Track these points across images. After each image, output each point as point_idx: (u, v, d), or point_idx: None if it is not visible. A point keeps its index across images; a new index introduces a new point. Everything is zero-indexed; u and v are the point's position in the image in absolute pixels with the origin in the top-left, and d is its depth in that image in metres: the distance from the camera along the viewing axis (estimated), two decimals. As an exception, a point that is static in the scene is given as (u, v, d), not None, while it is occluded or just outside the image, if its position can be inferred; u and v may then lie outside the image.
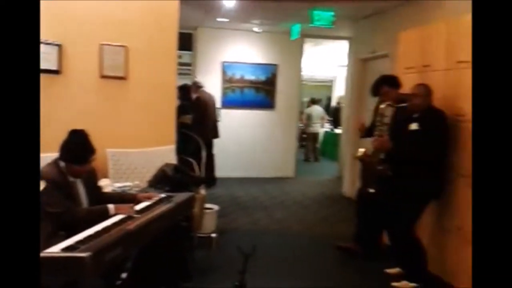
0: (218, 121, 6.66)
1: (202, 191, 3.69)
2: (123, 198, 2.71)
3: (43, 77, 2.84)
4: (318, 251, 4.04)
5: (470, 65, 3.15)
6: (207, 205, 4.00)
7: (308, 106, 10.35)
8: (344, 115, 7.42)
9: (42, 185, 2.23)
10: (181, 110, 5.82)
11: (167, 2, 3.77)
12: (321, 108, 10.38)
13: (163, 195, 2.70)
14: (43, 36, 3.12)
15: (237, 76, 7.36)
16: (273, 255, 3.83)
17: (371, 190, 3.43)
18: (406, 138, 3.20)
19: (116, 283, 2.36)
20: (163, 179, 3.18)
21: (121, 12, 3.67)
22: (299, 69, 7.62)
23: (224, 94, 7.27)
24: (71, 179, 2.45)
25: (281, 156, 7.64)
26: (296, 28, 6.39)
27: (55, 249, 1.83)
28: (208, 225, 3.91)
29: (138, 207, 2.48)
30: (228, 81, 7.33)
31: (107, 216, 2.31)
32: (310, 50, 9.31)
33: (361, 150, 3.62)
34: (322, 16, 5.40)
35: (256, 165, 7.48)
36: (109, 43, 3.64)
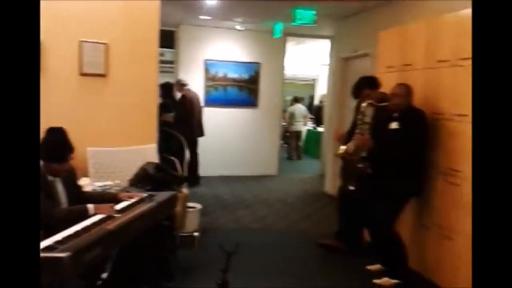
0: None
1: (185, 190, 3.66)
2: (104, 197, 2.67)
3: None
4: (301, 248, 4.07)
5: (449, 64, 3.25)
6: (190, 204, 3.97)
7: (291, 104, 10.39)
8: (326, 113, 7.47)
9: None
10: (163, 108, 5.78)
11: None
12: (303, 107, 10.44)
13: (144, 194, 2.67)
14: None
15: (220, 74, 7.34)
16: (256, 253, 3.84)
17: (351, 188, 3.47)
18: (387, 137, 3.24)
19: (97, 283, 2.33)
20: (145, 178, 3.15)
21: (101, 9, 3.61)
22: (282, 68, 7.64)
23: (207, 92, 7.24)
24: (50, 178, 2.41)
25: (264, 154, 7.66)
26: (279, 27, 6.41)
27: (34, 250, 1.79)
28: (191, 224, 3.89)
29: (119, 206, 2.45)
30: (211, 79, 7.30)
31: (86, 216, 2.28)
32: (293, 49, 9.35)
33: (343, 147, 3.65)
34: (304, 15, 5.42)
35: (239, 163, 7.48)
36: (89, 40, 3.58)
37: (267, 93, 7.56)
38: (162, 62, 7.59)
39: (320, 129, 9.56)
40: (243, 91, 7.48)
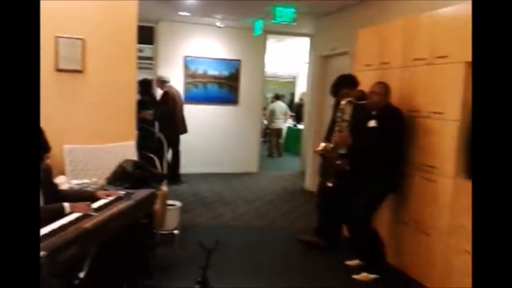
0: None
1: (164, 188, 3.64)
2: (81, 195, 2.63)
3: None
4: (280, 244, 4.09)
5: (425, 62, 3.30)
6: (170, 202, 3.94)
7: (272, 102, 10.42)
8: (306, 111, 7.51)
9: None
10: (142, 105, 5.72)
11: (126, -6, 3.68)
12: (284, 104, 10.48)
13: (122, 192, 2.64)
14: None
15: (200, 71, 7.30)
16: (235, 250, 3.84)
17: (329, 184, 3.51)
18: (365, 135, 3.29)
19: (74, 283, 2.29)
20: (123, 176, 3.11)
21: (77, 3, 3.54)
22: (262, 65, 7.64)
23: (187, 89, 7.19)
24: (25, 176, 2.35)
25: (245, 152, 7.66)
26: (259, 24, 6.40)
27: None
28: (171, 222, 3.86)
29: (96, 205, 2.41)
30: (191, 76, 7.25)
31: (63, 214, 2.24)
32: (273, 46, 9.37)
33: (322, 144, 3.69)
34: (284, 13, 5.43)
35: (220, 160, 7.46)
36: (65, 35, 3.51)
37: (248, 91, 7.55)
38: (141, 58, 7.52)
39: (300, 126, 9.61)
40: (224, 88, 7.46)
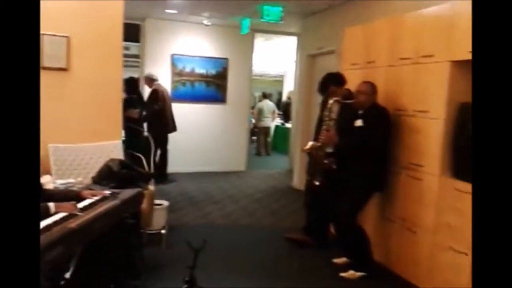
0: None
1: (151, 187, 3.61)
2: (66, 195, 2.59)
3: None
4: (268, 243, 4.10)
5: (410, 61, 3.34)
6: (157, 201, 3.92)
7: (260, 100, 10.42)
8: (294, 109, 7.53)
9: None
10: (128, 104, 5.68)
11: (111, -8, 3.64)
12: (272, 103, 10.49)
13: (108, 192, 2.61)
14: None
15: (188, 69, 7.26)
16: (223, 248, 3.84)
17: (317, 183, 3.52)
18: (352, 134, 3.31)
19: (60, 283, 2.27)
20: (109, 175, 3.08)
21: (62, 0, 3.49)
22: (250, 64, 7.63)
23: (174, 87, 7.15)
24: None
25: (233, 150, 7.65)
26: (246, 23, 6.40)
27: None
28: (158, 221, 3.83)
29: (81, 204, 2.38)
30: (178, 74, 7.21)
31: (47, 214, 2.20)
32: (261, 45, 9.37)
33: (310, 143, 3.70)
34: (271, 11, 5.44)
35: (207, 159, 7.44)
36: (49, 32, 3.46)
37: (235, 89, 7.54)
38: (127, 56, 7.46)
39: (288, 125, 9.63)
40: (211, 86, 7.43)
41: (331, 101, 3.47)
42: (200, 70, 7.32)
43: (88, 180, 3.22)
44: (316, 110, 4.80)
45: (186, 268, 2.73)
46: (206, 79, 7.38)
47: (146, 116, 6.18)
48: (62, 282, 2.31)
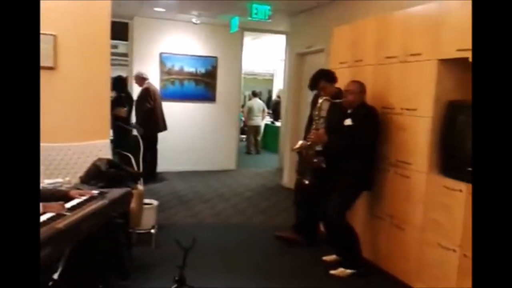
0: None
1: (140, 187, 3.59)
2: (54, 195, 2.56)
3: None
4: (258, 241, 4.10)
5: (397, 60, 3.36)
6: (146, 201, 3.90)
7: (249, 99, 10.42)
8: (283, 108, 7.54)
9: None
10: (116, 103, 5.64)
11: (98, -11, 3.61)
12: (261, 101, 10.50)
13: (96, 192, 2.59)
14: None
15: (176, 68, 7.22)
16: (213, 247, 3.83)
17: (306, 182, 3.53)
18: (341, 133, 3.32)
19: (48, 284, 2.25)
20: (97, 175, 3.06)
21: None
22: (239, 62, 7.62)
23: (163, 86, 7.11)
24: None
25: (222, 149, 7.63)
26: (235, 21, 6.39)
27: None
28: (147, 221, 3.82)
29: (69, 204, 2.36)
30: (167, 73, 7.17)
31: (34, 215, 2.18)
32: (250, 44, 9.36)
33: (299, 142, 3.71)
34: (260, 10, 5.44)
35: (197, 158, 7.42)
36: (36, 31, 3.42)
37: (225, 88, 7.52)
38: (115, 54, 7.42)
39: (278, 123, 9.65)
40: (200, 85, 7.41)
41: (320, 100, 3.48)
42: (189, 68, 7.29)
43: (76, 180, 3.19)
44: (306, 108, 4.82)
45: (175, 268, 2.72)
46: (195, 77, 7.35)
47: (139, 115, 6.13)
48: (50, 283, 2.28)
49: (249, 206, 5.38)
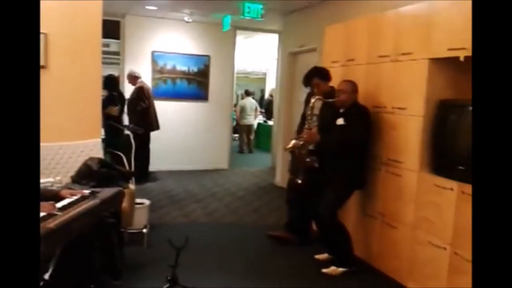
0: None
1: (132, 186, 3.57)
2: (45, 195, 2.54)
3: None
4: (251, 240, 4.10)
5: (389, 59, 3.37)
6: (138, 200, 3.88)
7: (242, 98, 10.41)
8: (276, 107, 7.55)
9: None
10: (108, 101, 5.60)
11: (90, -12, 3.58)
12: (254, 101, 10.50)
13: (87, 191, 2.58)
14: None
15: (169, 66, 7.20)
16: (206, 246, 3.83)
17: (299, 181, 3.54)
18: (333, 133, 3.34)
19: (39, 284, 2.23)
20: (88, 174, 3.04)
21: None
22: (232, 61, 7.61)
23: (156, 85, 7.07)
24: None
25: (215, 148, 7.62)
26: (227, 20, 6.38)
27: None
28: (139, 220, 3.80)
29: (60, 204, 2.34)
30: (159, 72, 7.14)
31: (25, 215, 2.16)
32: (243, 42, 9.35)
33: (292, 142, 3.72)
34: (252, 9, 5.43)
35: (190, 157, 7.40)
36: (26, 29, 3.38)
37: (218, 87, 7.51)
38: (107, 53, 7.36)
39: (270, 122, 9.65)
40: (193, 84, 7.39)
41: (313, 99, 3.49)
42: (181, 67, 7.27)
43: (67, 179, 3.17)
44: (298, 108, 4.82)
45: (168, 267, 2.72)
46: (187, 76, 7.33)
47: (133, 115, 6.09)
48: (41, 283, 2.27)
49: (241, 205, 5.37)
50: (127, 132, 5.77)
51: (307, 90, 3.96)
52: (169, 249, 2.72)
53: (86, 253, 2.57)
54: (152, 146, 6.40)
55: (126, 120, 6.34)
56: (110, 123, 5.60)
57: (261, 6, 5.45)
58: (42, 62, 3.47)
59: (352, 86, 3.35)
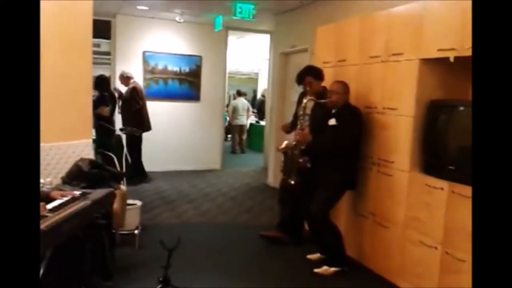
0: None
1: (123, 187, 3.55)
2: (34, 196, 2.52)
3: None
4: (244, 241, 4.10)
5: (380, 59, 3.39)
6: (130, 201, 3.86)
7: (234, 98, 10.41)
8: (268, 107, 7.55)
9: None
10: (99, 102, 5.57)
11: (80, -13, 3.56)
12: (246, 101, 10.50)
13: (77, 192, 2.56)
14: None
15: (160, 66, 7.17)
16: (198, 247, 3.81)
17: (292, 182, 3.55)
18: (326, 133, 3.35)
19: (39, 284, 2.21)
20: (79, 175, 3.02)
21: (28, -4, 3.39)
22: (224, 61, 7.60)
23: (147, 85, 7.03)
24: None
25: (207, 149, 7.60)
26: (219, 20, 6.37)
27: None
28: (131, 221, 3.78)
29: (51, 205, 2.33)
30: (150, 72, 7.11)
31: (14, 216, 2.14)
32: (235, 43, 9.34)
33: (285, 142, 3.73)
34: (244, 9, 5.44)
35: (182, 158, 7.38)
36: (15, 29, 3.35)
37: (210, 87, 7.49)
38: (98, 53, 7.31)
39: (263, 122, 9.66)
40: (184, 84, 7.36)
41: (305, 100, 3.50)
42: (173, 67, 7.24)
43: (57, 180, 3.14)
44: (290, 108, 4.83)
45: (160, 268, 2.71)
46: (179, 76, 7.31)
47: (127, 116, 6.05)
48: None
49: (234, 206, 5.37)
50: (118, 132, 5.74)
51: (299, 89, 3.96)
52: (161, 250, 2.71)
53: (77, 254, 2.55)
54: (144, 146, 6.37)
55: (117, 120, 6.30)
56: (101, 124, 5.56)
57: (252, 7, 5.46)
58: (32, 62, 3.43)
59: (344, 87, 3.37)
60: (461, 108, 2.90)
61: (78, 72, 3.60)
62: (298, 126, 3.52)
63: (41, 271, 2.28)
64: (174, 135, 7.31)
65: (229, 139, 10.40)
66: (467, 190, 2.57)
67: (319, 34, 4.27)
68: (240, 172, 7.69)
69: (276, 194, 4.41)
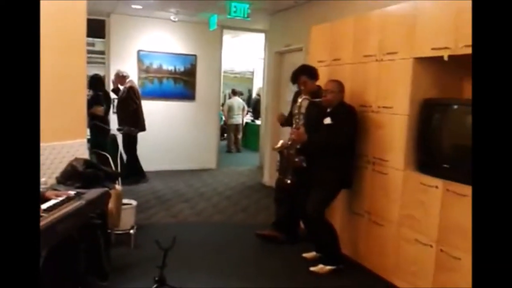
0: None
1: (118, 187, 3.54)
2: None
3: None
4: (239, 240, 4.10)
5: (374, 58, 3.40)
6: (125, 201, 3.85)
7: (229, 97, 10.40)
8: (263, 106, 7.55)
9: None
10: (93, 101, 5.55)
11: (74, -14, 3.53)
12: (241, 100, 10.50)
13: (72, 192, 2.55)
14: None
15: (155, 66, 7.15)
16: (194, 246, 3.81)
17: (288, 181, 3.55)
18: (321, 132, 3.35)
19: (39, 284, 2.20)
20: (73, 175, 3.01)
21: (21, -5, 3.37)
22: (219, 60, 7.59)
23: (142, 84, 7.01)
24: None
25: (203, 148, 7.60)
26: (214, 19, 6.36)
27: None
28: (126, 221, 3.77)
29: (45, 205, 2.31)
30: (145, 71, 7.09)
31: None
32: (230, 42, 9.34)
33: (280, 142, 3.73)
34: (238, 8, 5.43)
35: (177, 157, 7.36)
36: (8, 28, 3.33)
37: (205, 86, 7.48)
38: (92, 52, 7.28)
39: (258, 121, 9.66)
40: (179, 83, 7.35)
41: (300, 99, 3.50)
42: (168, 66, 7.23)
43: (52, 180, 3.13)
44: (285, 107, 4.83)
45: (155, 268, 2.71)
46: (174, 76, 7.29)
47: (124, 115, 6.02)
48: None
49: (230, 205, 5.37)
50: (113, 132, 5.72)
51: (294, 88, 3.97)
52: (157, 249, 2.71)
53: (72, 254, 2.54)
54: (139, 146, 6.34)
55: (112, 120, 6.27)
56: (96, 123, 5.54)
57: (247, 6, 5.45)
58: (25, 62, 3.41)
59: (339, 86, 3.38)
60: (455, 106, 2.91)
61: (72, 71, 3.58)
62: (294, 125, 3.52)
63: (36, 272, 2.27)
64: (170, 135, 7.29)
65: (224, 138, 10.39)
66: (462, 188, 2.59)
67: (314, 33, 4.28)
68: (235, 171, 7.69)
69: (272, 193, 4.42)
